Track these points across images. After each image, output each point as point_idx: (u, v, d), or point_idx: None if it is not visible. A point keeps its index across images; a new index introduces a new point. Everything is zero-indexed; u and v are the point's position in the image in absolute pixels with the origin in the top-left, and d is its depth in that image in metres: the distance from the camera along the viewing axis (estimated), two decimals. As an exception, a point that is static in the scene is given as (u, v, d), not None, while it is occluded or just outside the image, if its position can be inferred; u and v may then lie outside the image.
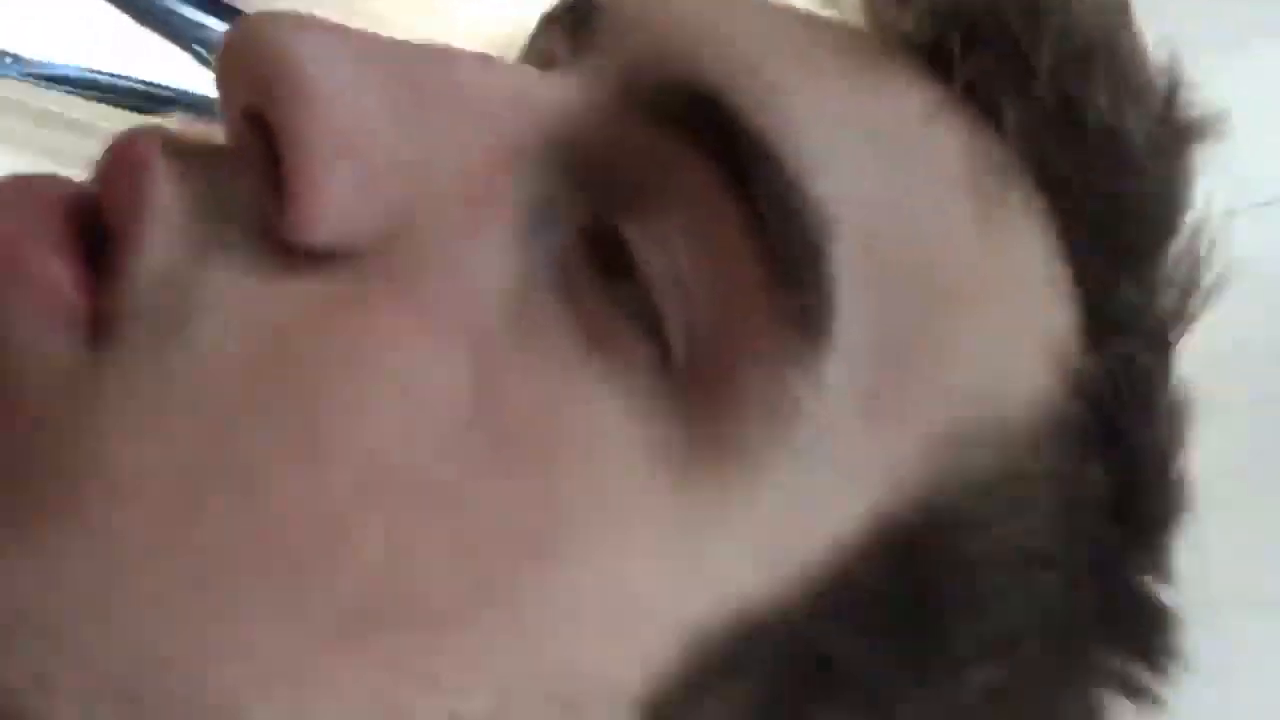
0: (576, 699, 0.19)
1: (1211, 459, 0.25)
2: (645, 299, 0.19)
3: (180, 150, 0.18)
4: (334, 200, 0.17)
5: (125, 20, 2.24)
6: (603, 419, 0.19)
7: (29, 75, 2.51)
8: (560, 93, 0.20)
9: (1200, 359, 0.24)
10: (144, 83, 2.62)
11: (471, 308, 0.19)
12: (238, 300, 0.17)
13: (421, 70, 0.19)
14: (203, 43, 2.38)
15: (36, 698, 0.17)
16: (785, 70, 0.20)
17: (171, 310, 0.17)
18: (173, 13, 2.25)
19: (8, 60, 2.45)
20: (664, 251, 0.19)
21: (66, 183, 0.19)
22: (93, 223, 0.18)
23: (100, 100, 2.65)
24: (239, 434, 0.17)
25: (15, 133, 2.60)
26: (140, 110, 2.69)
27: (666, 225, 0.19)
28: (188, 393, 0.17)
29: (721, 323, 0.19)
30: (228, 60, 0.18)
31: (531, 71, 0.21)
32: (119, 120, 2.71)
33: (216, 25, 2.33)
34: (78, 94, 2.60)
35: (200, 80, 2.63)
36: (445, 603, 0.18)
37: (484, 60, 0.20)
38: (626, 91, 0.20)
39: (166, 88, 2.67)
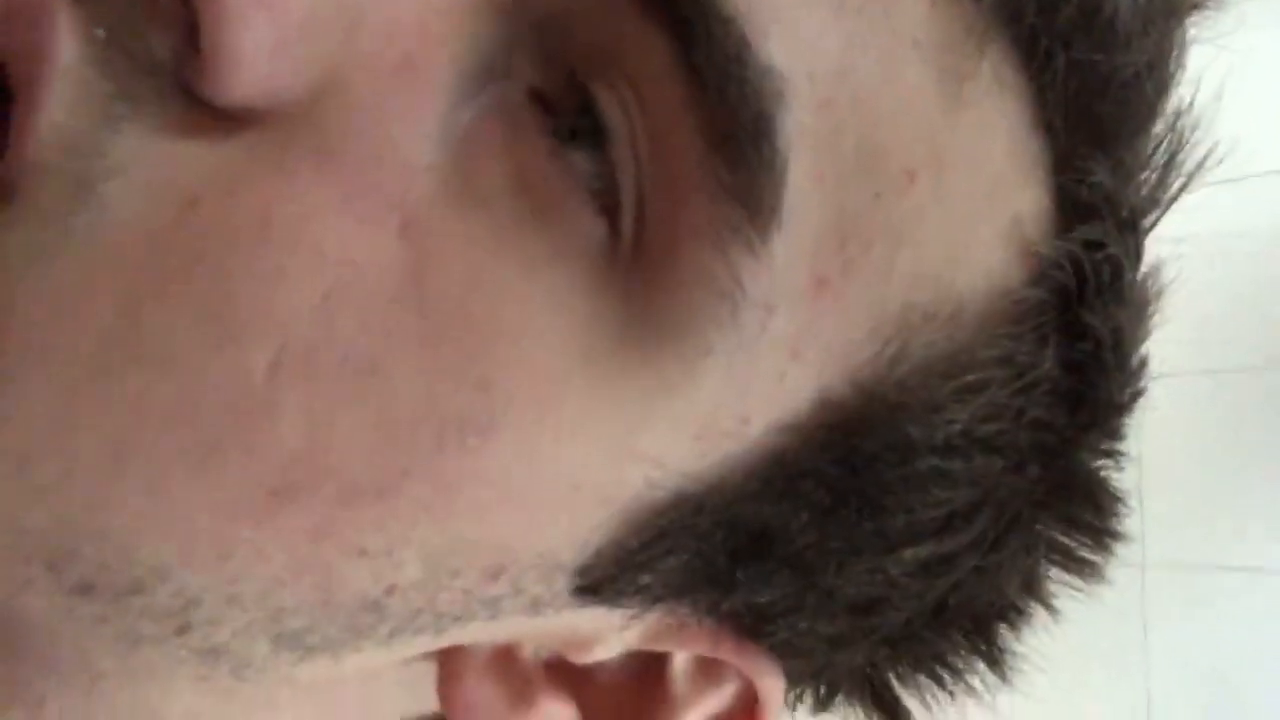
0: (506, 568, 0.20)
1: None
2: (602, 167, 0.18)
3: None
4: (252, 56, 0.16)
5: None
6: (540, 294, 0.18)
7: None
8: None
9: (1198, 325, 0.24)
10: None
11: (402, 175, 0.17)
12: (148, 162, 0.16)
13: None
14: None
15: None
16: None
17: (77, 172, 0.16)
18: None
19: None
20: (628, 120, 0.18)
21: None
22: None
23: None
24: (150, 305, 0.16)
25: None
26: None
27: (629, 92, 0.18)
28: (95, 260, 0.16)
29: (667, 198, 0.18)
30: None
31: None
32: None
33: None
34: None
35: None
36: (368, 477, 0.18)
37: None
38: None
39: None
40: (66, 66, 0.16)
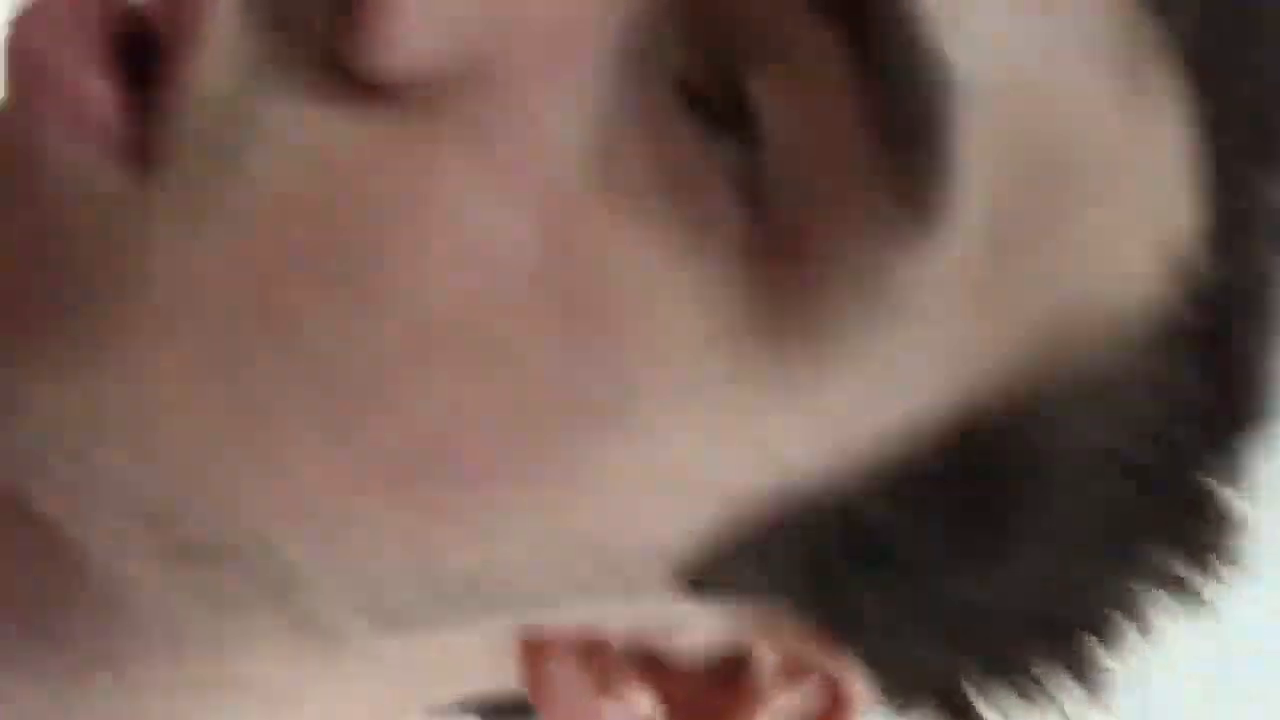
0: (611, 554, 0.19)
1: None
2: (750, 156, 0.17)
3: None
4: (406, 28, 0.16)
5: None
6: (679, 284, 0.18)
7: None
8: None
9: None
10: None
11: (547, 158, 0.17)
12: (296, 131, 0.16)
13: None
14: None
15: (71, 524, 0.17)
16: None
17: (224, 138, 0.16)
18: None
19: None
20: (785, 110, 0.17)
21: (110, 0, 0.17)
22: (142, 41, 0.17)
23: None
24: (290, 273, 0.16)
25: None
26: None
27: (788, 82, 0.17)
28: (238, 227, 0.16)
29: (821, 192, 0.17)
30: None
31: None
32: None
33: None
34: None
35: None
36: (491, 459, 0.18)
37: None
38: None
39: None
40: (218, 27, 0.16)
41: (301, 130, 0.16)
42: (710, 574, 0.20)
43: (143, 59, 0.17)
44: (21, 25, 0.16)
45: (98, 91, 0.16)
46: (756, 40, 0.18)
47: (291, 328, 0.16)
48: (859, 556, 0.21)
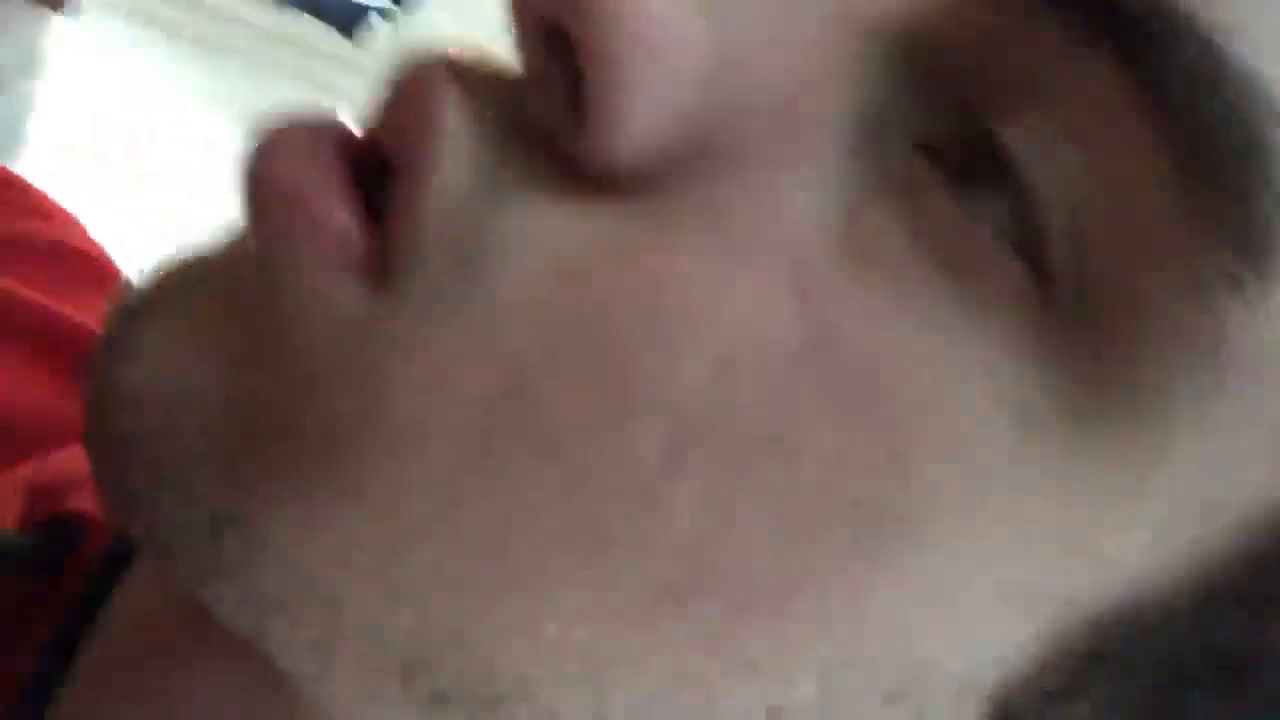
0: (915, 691, 0.16)
1: None
2: (1020, 213, 0.15)
3: (466, 74, 0.17)
4: (637, 115, 0.15)
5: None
6: (961, 360, 0.16)
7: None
8: None
9: None
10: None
11: (795, 234, 0.16)
12: (535, 236, 0.15)
13: None
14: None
15: (313, 665, 0.16)
16: None
17: (464, 250, 0.15)
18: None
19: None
20: (1049, 156, 0.15)
21: (339, 120, 0.17)
22: (372, 159, 0.17)
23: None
24: (539, 387, 0.15)
25: (146, 7, 2.64)
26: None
27: (1049, 126, 0.15)
28: (482, 341, 0.15)
29: (1117, 238, 0.15)
30: None
31: None
32: (247, 6, 2.73)
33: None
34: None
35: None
36: (767, 577, 0.15)
37: None
38: None
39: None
40: (454, 139, 0.16)
41: (541, 233, 0.15)
42: (1031, 712, 0.17)
43: (375, 178, 0.17)
44: (261, 154, 0.16)
45: (341, 217, 0.16)
46: (1005, 85, 0.16)
47: (546, 438, 0.15)
48: (1201, 670, 0.17)
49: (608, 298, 0.15)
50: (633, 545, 0.15)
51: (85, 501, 0.25)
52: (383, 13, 2.63)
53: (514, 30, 0.17)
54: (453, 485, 0.15)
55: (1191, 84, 0.14)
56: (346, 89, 2.99)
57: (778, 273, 0.15)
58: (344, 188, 0.16)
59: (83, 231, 0.37)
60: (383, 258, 0.16)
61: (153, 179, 2.34)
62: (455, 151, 0.16)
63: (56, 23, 1.82)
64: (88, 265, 0.35)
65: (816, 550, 0.15)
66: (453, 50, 0.17)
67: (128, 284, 0.19)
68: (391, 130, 0.17)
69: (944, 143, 0.16)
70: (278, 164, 0.16)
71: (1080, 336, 0.15)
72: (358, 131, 0.17)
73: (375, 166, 0.16)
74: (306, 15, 2.75)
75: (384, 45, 2.81)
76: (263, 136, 0.17)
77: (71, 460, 0.26)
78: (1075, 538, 0.16)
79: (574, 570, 0.15)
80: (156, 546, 0.17)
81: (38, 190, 0.37)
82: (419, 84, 0.16)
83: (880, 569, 0.16)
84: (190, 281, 0.17)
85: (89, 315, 0.32)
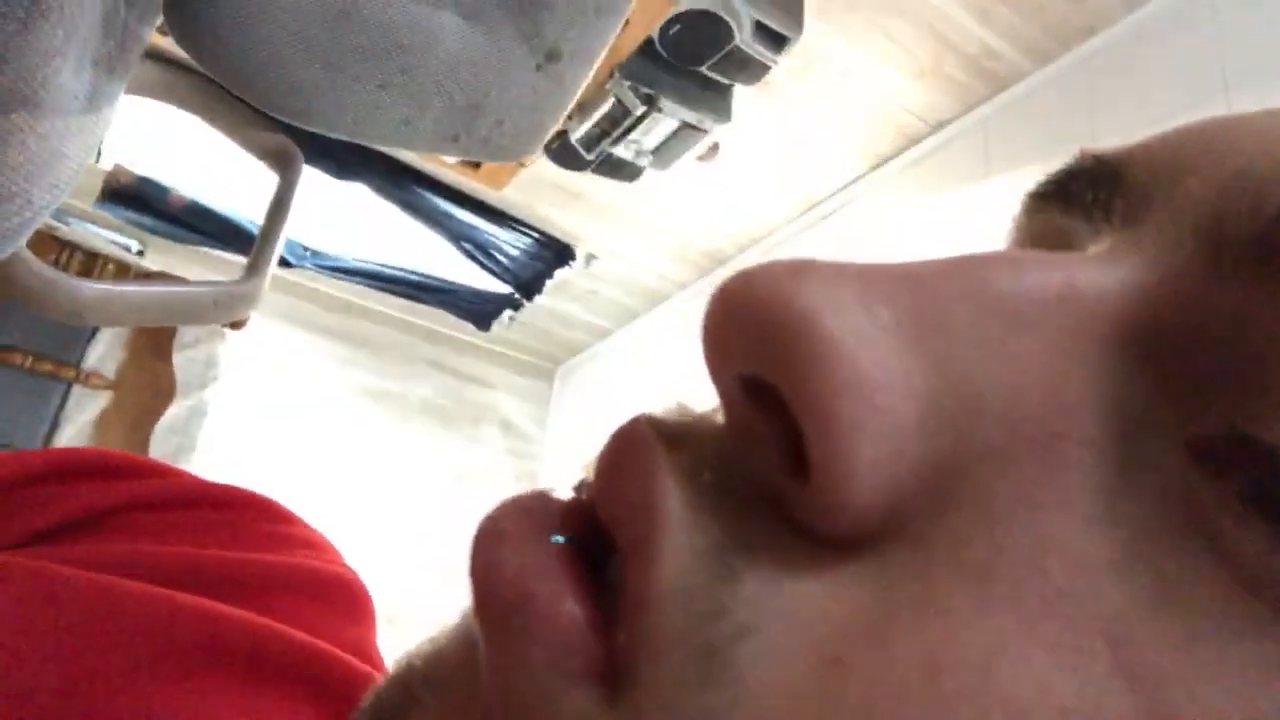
0: None
1: None
2: None
3: (678, 439, 0.16)
4: (867, 471, 0.14)
5: (403, 217, 2.48)
6: None
7: (321, 266, 2.82)
8: (1115, 272, 0.15)
9: None
10: (417, 273, 2.89)
11: (1083, 581, 0.13)
12: (775, 617, 0.14)
13: (945, 288, 0.15)
14: (469, 240, 2.60)
15: None
16: None
17: (702, 638, 0.14)
18: (448, 215, 2.47)
19: (306, 253, 2.76)
20: None
21: (556, 500, 0.17)
22: (589, 538, 0.16)
23: (380, 289, 2.93)
24: None
25: (307, 315, 2.90)
26: (413, 299, 2.95)
27: None
28: None
29: None
30: (719, 320, 0.15)
31: (1073, 257, 0.16)
32: (395, 304, 2.97)
33: (484, 225, 2.54)
34: (361, 282, 2.89)
35: (461, 272, 2.87)
36: None
37: (1016, 258, 0.16)
38: (1211, 246, 0.15)
39: (435, 279, 2.92)
40: (678, 518, 0.14)
41: (779, 613, 0.14)
42: None
43: (595, 555, 0.16)
44: (485, 547, 0.16)
45: (571, 616, 0.15)
46: (1250, 370, 0.14)
47: None
48: None
49: (874, 688, 0.13)
50: None
51: None
52: (512, 304, 2.81)
53: (712, 381, 0.16)
54: None
55: None
56: (479, 373, 3.18)
57: (1081, 636, 0.13)
58: (570, 579, 0.15)
59: (339, 557, 0.37)
60: (618, 657, 0.14)
61: (307, 464, 2.48)
62: (679, 532, 0.14)
63: (231, 336, 2.00)
64: (347, 594, 0.35)
65: None
66: (658, 413, 0.17)
67: (375, 686, 0.19)
68: (609, 506, 0.16)
69: (1221, 442, 0.14)
70: (503, 559, 0.15)
71: None
72: (569, 497, 0.17)
73: (598, 543, 0.16)
74: (447, 311, 2.95)
75: (510, 332, 3.01)
76: (484, 523, 0.16)
77: None
78: None
79: None
80: None
81: (301, 519, 0.37)
82: (632, 456, 0.16)
83: None
84: (431, 687, 0.17)
85: (356, 647, 0.32)
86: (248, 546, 0.34)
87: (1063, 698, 0.13)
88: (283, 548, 0.35)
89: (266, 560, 0.34)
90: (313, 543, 0.36)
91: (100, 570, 0.29)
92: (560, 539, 0.16)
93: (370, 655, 0.33)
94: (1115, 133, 1.70)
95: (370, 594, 0.36)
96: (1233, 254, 0.15)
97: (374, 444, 2.70)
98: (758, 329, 0.14)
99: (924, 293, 0.15)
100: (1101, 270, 0.15)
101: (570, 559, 0.15)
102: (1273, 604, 0.13)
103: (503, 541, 0.15)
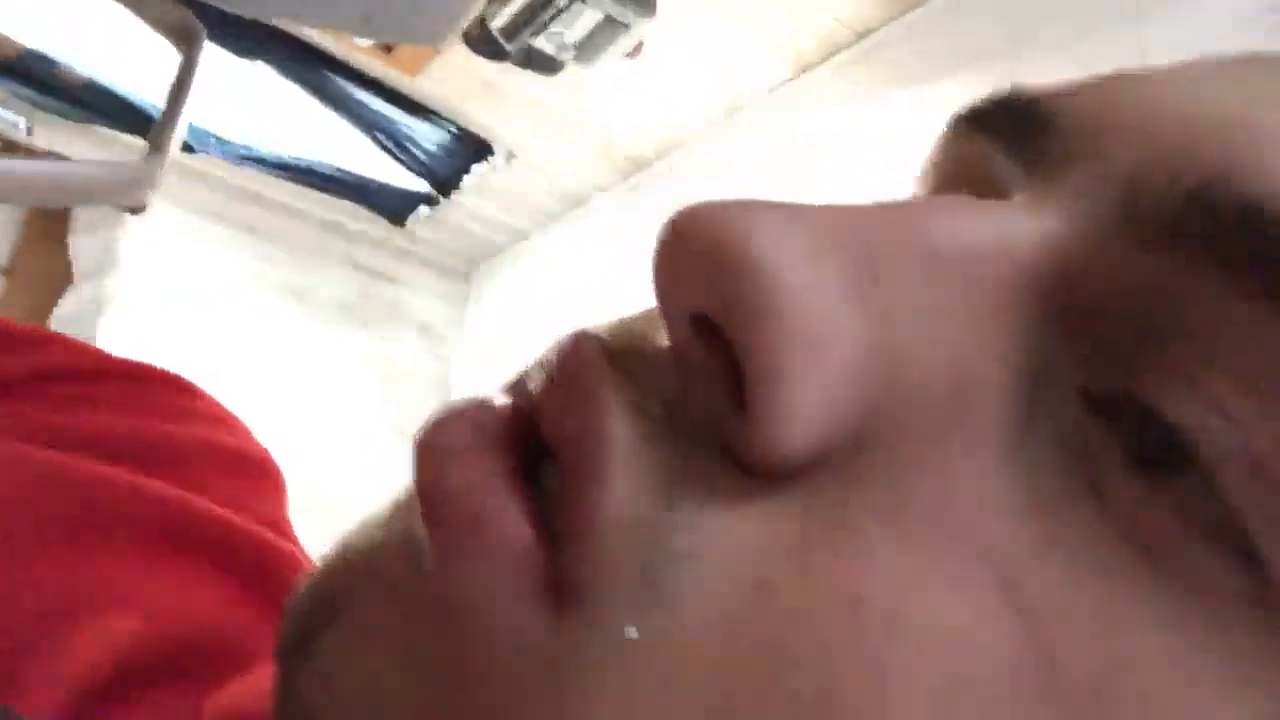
0: None
1: None
2: (1211, 499, 0.14)
3: (625, 365, 0.16)
4: (803, 414, 0.15)
5: (316, 106, 2.39)
6: (1187, 666, 0.14)
7: (228, 154, 2.70)
8: (1041, 228, 0.16)
9: None
10: (324, 165, 2.79)
11: (983, 527, 0.14)
12: (709, 543, 0.15)
13: (887, 240, 0.16)
14: (383, 130, 2.51)
15: None
16: None
17: (641, 563, 0.15)
18: (361, 103, 2.38)
19: (211, 140, 2.64)
20: (1227, 425, 0.14)
21: (499, 411, 0.17)
22: (529, 446, 0.16)
23: (290, 179, 2.82)
24: (737, 710, 0.14)
25: (213, 205, 2.79)
26: (326, 191, 2.86)
27: (1219, 387, 0.14)
28: (670, 662, 0.14)
29: None
30: (672, 259, 0.16)
31: (1005, 210, 0.17)
32: (308, 198, 2.88)
33: (399, 117, 2.46)
34: (270, 173, 2.78)
35: (375, 166, 2.78)
36: None
37: (953, 210, 0.17)
38: (1128, 214, 0.16)
39: (348, 172, 2.83)
40: (625, 449, 0.15)
41: (714, 539, 0.15)
42: None
43: (534, 461, 0.16)
44: (432, 460, 0.16)
45: (517, 534, 0.15)
46: (1175, 341, 0.15)
47: None
48: None
49: (798, 612, 0.14)
50: None
51: None
52: (429, 200, 2.75)
53: (661, 313, 0.16)
54: None
55: None
56: (395, 272, 3.12)
57: (975, 569, 0.14)
58: (517, 499, 0.15)
59: (249, 434, 0.37)
60: (562, 576, 0.15)
61: (214, 360, 2.42)
62: (626, 464, 0.15)
63: (131, 222, 1.92)
64: (259, 469, 0.35)
65: None
66: (603, 332, 0.17)
67: (306, 575, 0.18)
68: (554, 424, 0.16)
69: (1115, 399, 0.15)
70: (449, 475, 0.16)
71: None
72: (508, 405, 0.17)
73: (537, 445, 0.16)
74: (359, 205, 2.87)
75: (427, 231, 2.94)
76: (427, 435, 0.16)
77: (260, 689, 0.25)
78: None
79: None
80: None
81: (209, 395, 0.37)
82: (579, 379, 0.16)
83: None
84: (369, 582, 0.17)
85: (269, 522, 0.32)
86: (158, 419, 0.33)
87: (955, 625, 0.14)
88: (193, 422, 0.34)
89: (179, 433, 0.33)
90: (222, 418, 0.36)
91: (11, 438, 0.29)
92: (506, 455, 0.16)
93: (284, 530, 0.33)
94: (1037, 48, 1.73)
95: (280, 470, 0.36)
96: (1145, 226, 0.16)
97: (285, 342, 2.64)
98: (710, 272, 0.15)
99: (867, 245, 0.16)
100: (1025, 225, 0.16)
101: (517, 476, 0.16)
102: (1144, 550, 0.14)
103: (451, 456, 0.16)
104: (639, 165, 2.51)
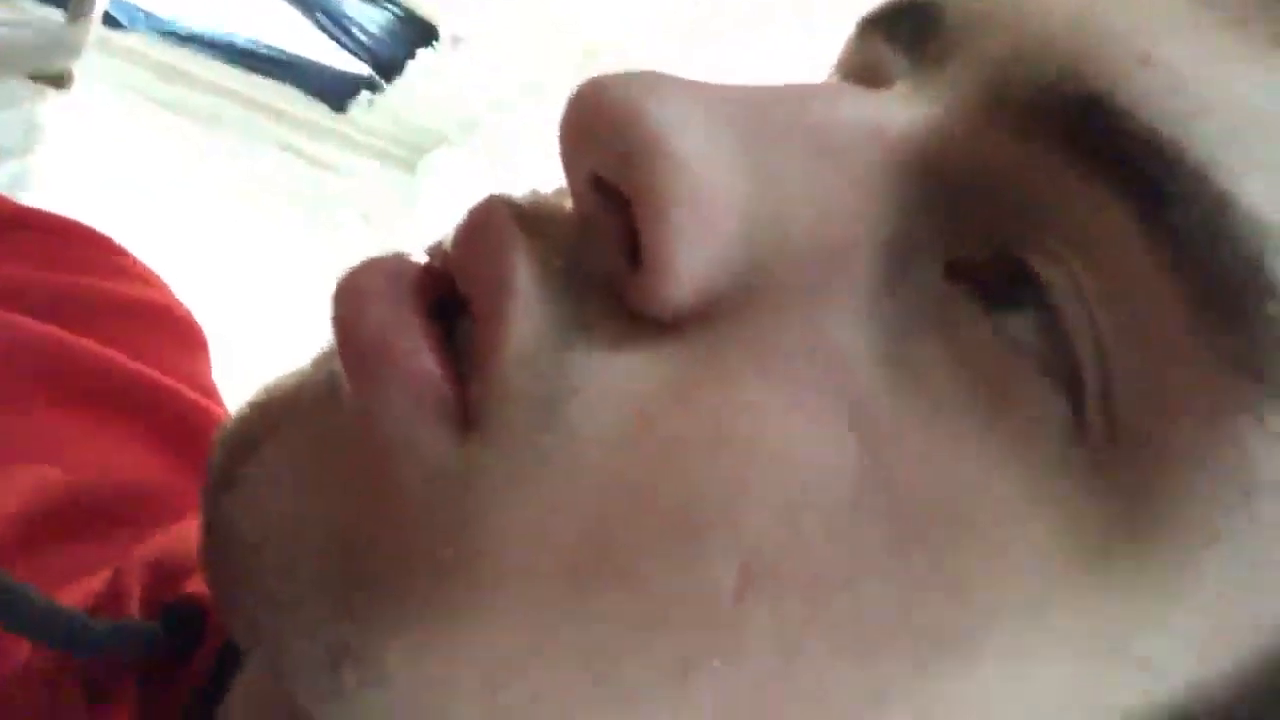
0: None
1: None
2: (1051, 337, 0.16)
3: (532, 224, 0.18)
4: (688, 266, 0.16)
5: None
6: (1008, 487, 0.16)
7: (157, 30, 2.56)
8: (912, 113, 0.18)
9: None
10: (261, 45, 2.67)
11: (840, 366, 0.16)
12: (602, 380, 0.16)
13: (774, 116, 0.17)
14: (322, 10, 2.40)
15: None
16: (1186, 59, 0.16)
17: (539, 395, 0.16)
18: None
19: (140, 15, 2.50)
20: (1075, 285, 0.16)
21: (413, 263, 0.18)
22: (443, 297, 0.18)
23: (224, 59, 2.70)
24: (617, 523, 0.16)
25: (141, 84, 2.66)
26: (262, 72, 2.74)
27: (1075, 258, 0.16)
28: (562, 478, 0.16)
29: (1143, 370, 0.16)
30: (576, 124, 0.17)
31: (883, 97, 0.19)
32: (244, 80, 2.76)
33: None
34: (204, 51, 2.65)
35: (319, 45, 2.67)
36: (838, 705, 0.16)
37: (835, 93, 0.18)
38: (992, 103, 0.17)
39: (286, 52, 2.71)
40: (528, 294, 0.17)
41: (606, 377, 0.16)
42: None
43: (448, 314, 0.17)
44: (348, 300, 0.17)
45: (429, 368, 0.17)
46: (1023, 216, 0.17)
47: (628, 571, 0.16)
48: None
49: (672, 440, 0.16)
50: (711, 677, 0.16)
51: (201, 584, 0.25)
52: (370, 85, 2.66)
53: (565, 174, 0.18)
54: (548, 619, 0.16)
55: (1205, 235, 0.15)
56: (337, 160, 3.03)
57: (829, 406, 0.16)
58: (426, 333, 0.17)
59: (175, 295, 0.37)
60: (468, 405, 0.16)
61: (147, 247, 2.34)
62: (528, 307, 0.17)
63: (53, 97, 1.83)
64: (184, 327, 0.36)
65: (883, 677, 0.16)
66: (514, 195, 0.18)
67: (230, 417, 0.19)
68: (465, 275, 0.18)
69: (976, 266, 0.17)
70: (366, 314, 0.17)
71: (1115, 460, 0.16)
72: (427, 259, 0.18)
73: (450, 297, 0.17)
74: (298, 89, 2.77)
75: (371, 119, 2.85)
76: (346, 280, 0.17)
77: (186, 538, 0.27)
78: (1123, 651, 0.17)
79: (660, 701, 0.16)
80: (279, 673, 0.17)
81: (132, 254, 0.37)
82: (488, 233, 0.17)
83: (944, 691, 0.16)
84: (291, 417, 0.18)
85: (199, 385, 0.33)
86: (87, 275, 0.33)
87: (806, 450, 0.16)
88: (118, 278, 0.35)
89: (105, 287, 0.33)
90: (147, 277, 0.36)
91: None
92: (419, 299, 0.17)
93: (208, 389, 0.34)
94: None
95: (203, 330, 0.36)
96: (1010, 112, 0.17)
97: (220, 229, 2.57)
98: (612, 136, 0.16)
99: (758, 120, 0.17)
100: (900, 110, 0.18)
101: (427, 316, 0.17)
102: (984, 386, 0.16)
103: (366, 297, 0.17)
104: (591, 54, 2.44)
